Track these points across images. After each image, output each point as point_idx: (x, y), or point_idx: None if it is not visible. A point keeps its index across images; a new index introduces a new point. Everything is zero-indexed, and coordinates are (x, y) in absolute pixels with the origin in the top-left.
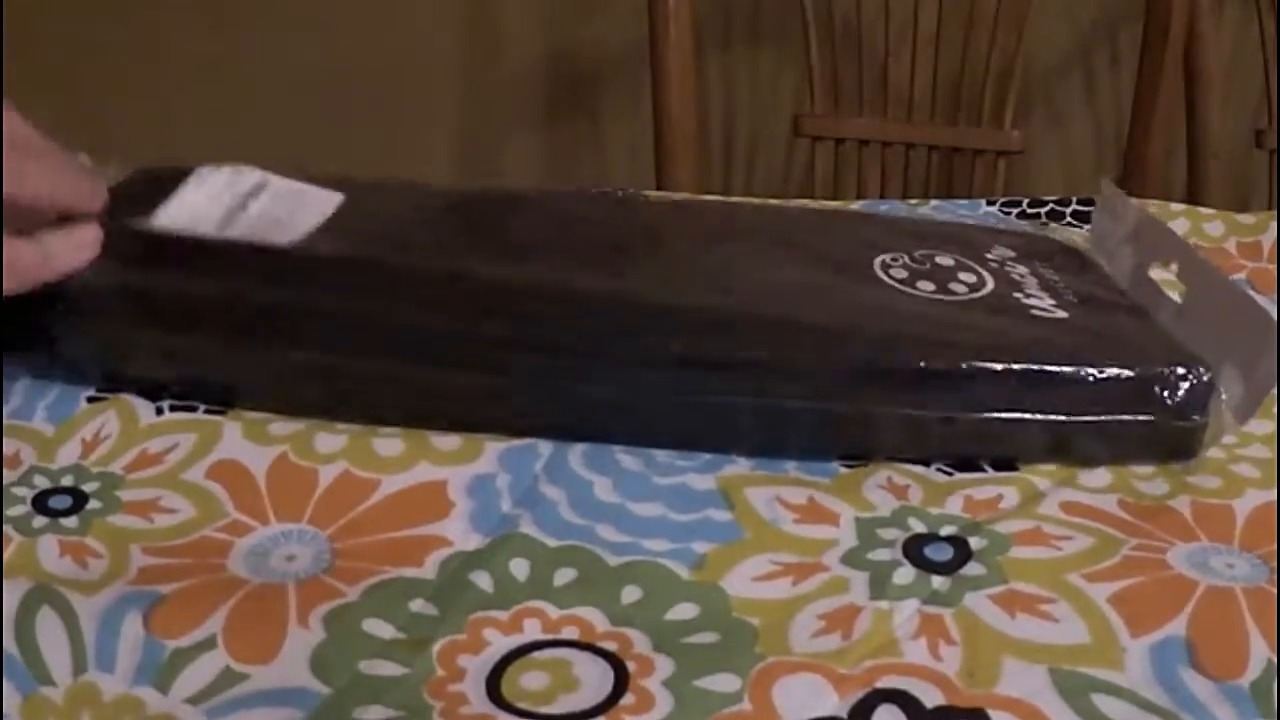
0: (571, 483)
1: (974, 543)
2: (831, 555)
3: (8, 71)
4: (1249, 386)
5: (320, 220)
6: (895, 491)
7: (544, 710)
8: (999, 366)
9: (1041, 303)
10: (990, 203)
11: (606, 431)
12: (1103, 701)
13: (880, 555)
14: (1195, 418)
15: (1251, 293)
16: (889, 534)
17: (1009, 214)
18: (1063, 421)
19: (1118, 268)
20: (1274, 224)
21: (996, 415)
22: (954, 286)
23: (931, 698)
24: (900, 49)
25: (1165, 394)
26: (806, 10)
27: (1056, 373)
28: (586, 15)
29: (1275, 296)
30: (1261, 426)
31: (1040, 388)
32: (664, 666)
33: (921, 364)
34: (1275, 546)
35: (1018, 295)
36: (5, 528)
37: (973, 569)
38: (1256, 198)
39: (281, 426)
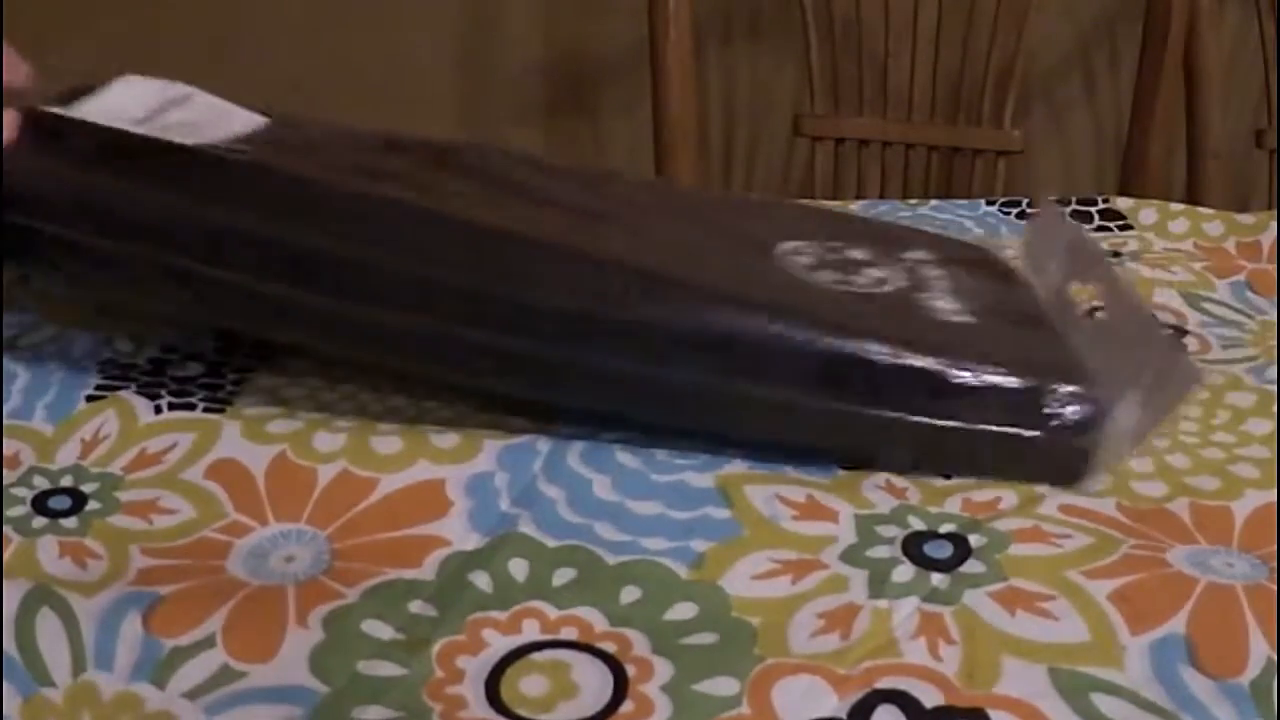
0: (570, 481)
1: (973, 540)
2: (830, 552)
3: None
4: (1144, 415)
5: (235, 134)
6: (894, 493)
7: (543, 718)
8: (872, 353)
9: (944, 305)
10: (990, 203)
11: (488, 372)
12: (1102, 701)
13: (879, 552)
14: (1079, 440)
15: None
16: (888, 531)
17: (1008, 214)
18: (930, 423)
19: (1045, 284)
20: (1274, 224)
21: (867, 408)
22: (856, 279)
23: (931, 698)
24: (900, 49)
25: (1049, 411)
26: (806, 10)
27: (928, 369)
28: (586, 15)
29: (1275, 297)
30: (1261, 426)
31: (910, 383)
32: (663, 670)
33: (780, 335)
34: (1275, 547)
35: (921, 295)
36: (5, 529)
37: (972, 566)
38: (1256, 198)
39: (280, 425)
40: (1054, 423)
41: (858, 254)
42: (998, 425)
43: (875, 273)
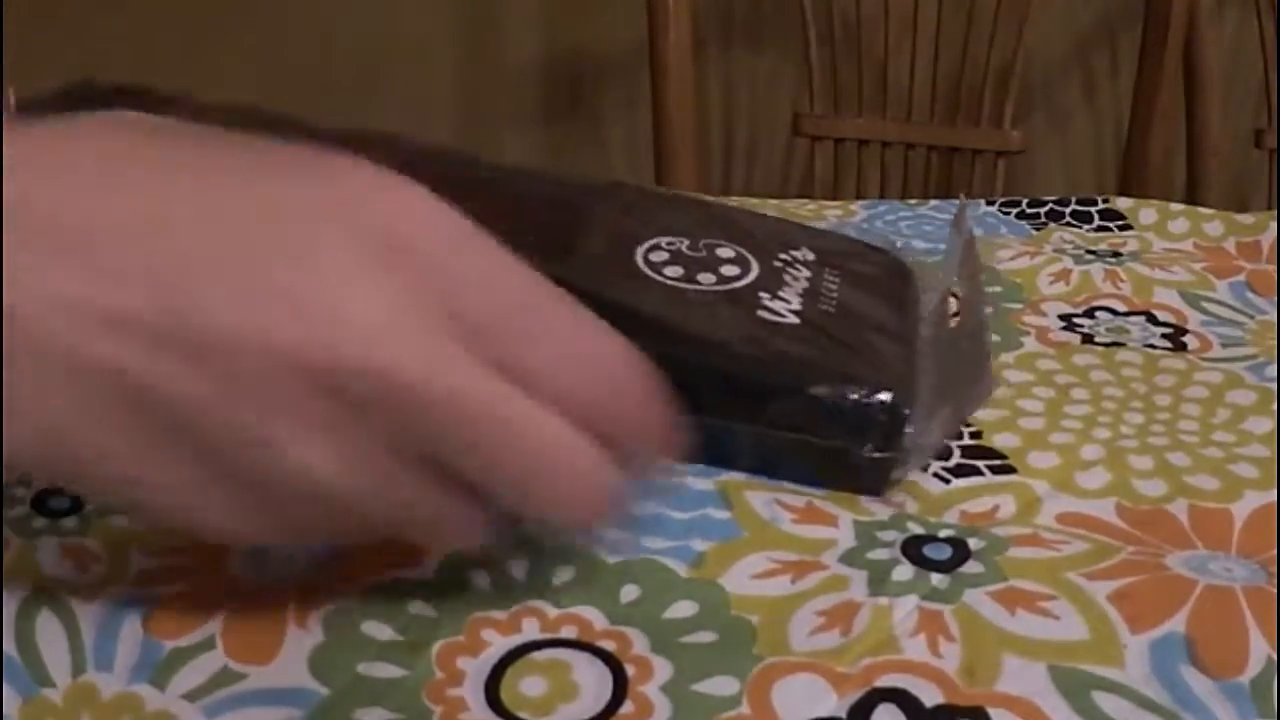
0: None
1: (973, 544)
2: (830, 555)
3: (9, 71)
4: (941, 429)
5: None
6: (891, 503)
7: None
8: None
9: (784, 306)
10: (990, 203)
11: None
12: (1102, 699)
13: (879, 555)
14: (874, 451)
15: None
16: (888, 535)
17: (1008, 214)
18: (718, 422)
19: (939, 289)
20: (1274, 224)
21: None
22: (702, 277)
23: (931, 696)
24: (900, 49)
25: (845, 420)
26: (806, 10)
27: (710, 368)
28: (586, 15)
29: (1275, 297)
30: (1261, 425)
31: (691, 380)
32: (662, 670)
33: None
34: (1274, 552)
35: (763, 295)
36: (5, 530)
37: (972, 567)
38: (1256, 198)
39: None
40: (850, 432)
41: (726, 252)
42: (789, 431)
43: (729, 270)
